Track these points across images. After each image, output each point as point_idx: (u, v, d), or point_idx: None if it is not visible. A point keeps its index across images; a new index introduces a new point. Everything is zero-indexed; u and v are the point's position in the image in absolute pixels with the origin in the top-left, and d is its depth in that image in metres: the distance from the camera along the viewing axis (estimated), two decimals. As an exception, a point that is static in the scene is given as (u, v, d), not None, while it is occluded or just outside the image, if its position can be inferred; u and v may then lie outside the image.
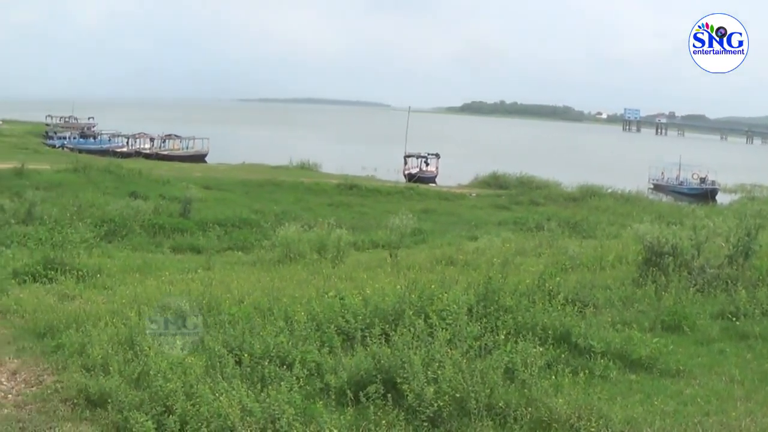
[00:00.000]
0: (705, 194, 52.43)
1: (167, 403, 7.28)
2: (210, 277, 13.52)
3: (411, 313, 9.03)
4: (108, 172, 37.80)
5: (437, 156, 57.37)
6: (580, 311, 10.09)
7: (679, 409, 7.47)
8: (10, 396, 8.15)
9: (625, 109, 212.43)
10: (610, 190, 45.09)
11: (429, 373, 7.51)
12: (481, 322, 9.04)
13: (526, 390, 7.60)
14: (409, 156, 56.94)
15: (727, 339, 9.81)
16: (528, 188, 46.35)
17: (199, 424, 6.90)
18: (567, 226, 27.12)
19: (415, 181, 50.14)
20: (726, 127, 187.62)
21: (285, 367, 8.06)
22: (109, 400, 7.59)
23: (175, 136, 67.10)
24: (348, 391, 7.52)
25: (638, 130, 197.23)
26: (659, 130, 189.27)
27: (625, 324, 9.82)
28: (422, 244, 23.57)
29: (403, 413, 7.22)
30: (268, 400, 7.09)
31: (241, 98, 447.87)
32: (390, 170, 55.08)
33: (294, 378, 7.70)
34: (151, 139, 65.03)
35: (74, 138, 67.00)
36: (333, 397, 7.55)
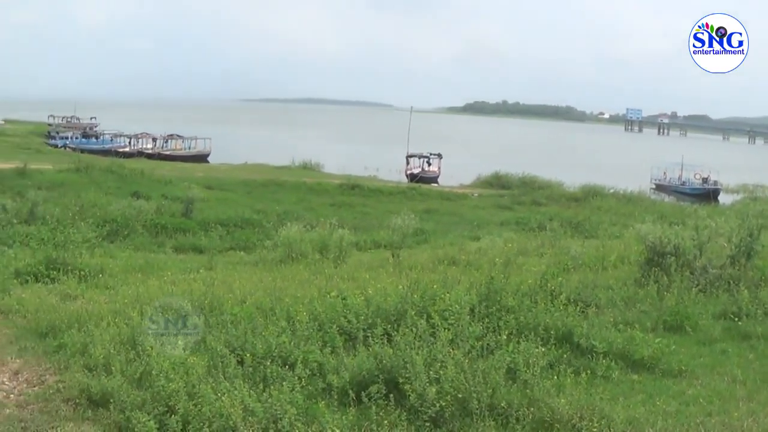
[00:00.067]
0: (707, 194, 52.34)
1: (169, 403, 7.29)
2: (212, 277, 13.53)
3: (413, 313, 9.03)
4: (110, 172, 37.87)
5: (439, 156, 57.37)
6: (583, 311, 10.10)
7: (681, 410, 7.46)
8: (12, 396, 8.16)
9: (627, 110, 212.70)
10: (612, 191, 45.07)
11: (431, 373, 7.51)
12: (483, 322, 9.04)
13: (528, 390, 7.60)
14: (411, 156, 56.94)
15: (729, 339, 9.80)
16: (530, 188, 46.41)
17: (201, 424, 6.91)
18: (569, 226, 27.10)
19: (417, 181, 50.16)
20: (728, 128, 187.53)
21: (287, 367, 8.06)
22: (111, 400, 7.59)
23: (178, 136, 67.17)
24: (350, 391, 7.53)
25: (640, 131, 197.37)
26: (661, 131, 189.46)
27: (628, 324, 9.80)
28: (424, 244, 23.54)
29: (405, 413, 7.22)
30: (270, 400, 7.09)
31: (243, 98, 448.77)
32: (392, 170, 55.15)
33: (296, 378, 7.70)
34: (154, 139, 65.08)
35: (76, 138, 67.08)
36: (335, 397, 7.55)
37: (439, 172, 56.38)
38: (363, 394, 7.44)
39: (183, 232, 25.44)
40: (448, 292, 9.64)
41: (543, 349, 8.33)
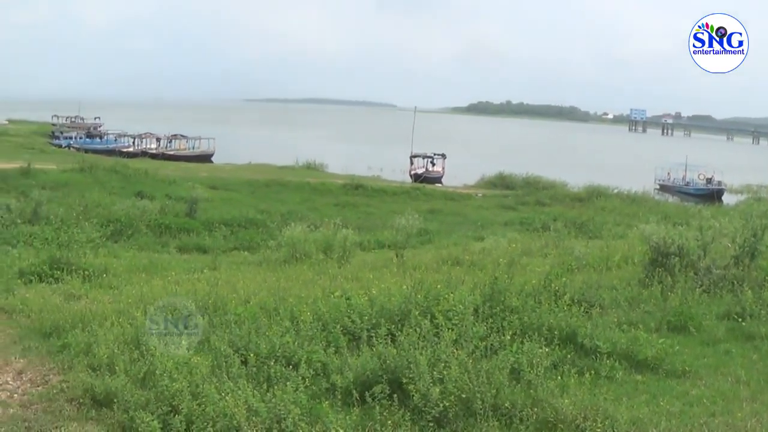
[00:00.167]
0: (711, 195, 52.19)
1: (173, 403, 7.29)
2: (216, 277, 13.55)
3: (417, 313, 9.04)
4: (114, 172, 37.87)
5: (443, 156, 57.37)
6: (586, 312, 10.08)
7: (685, 410, 7.45)
8: (16, 395, 8.17)
9: (631, 110, 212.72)
10: (616, 191, 45.02)
11: (435, 373, 7.52)
12: (487, 323, 9.04)
13: (531, 390, 7.59)
14: (415, 156, 56.94)
15: (733, 340, 9.77)
16: (534, 189, 46.38)
17: (205, 423, 6.91)
18: (573, 227, 27.10)
19: (421, 182, 50.13)
20: (732, 128, 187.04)
21: (291, 367, 8.07)
22: (115, 400, 7.61)
23: (181, 136, 67.13)
24: (354, 391, 7.54)
25: (644, 131, 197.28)
26: (665, 131, 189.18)
27: (631, 324, 9.79)
28: (428, 245, 23.56)
29: (408, 413, 7.22)
30: (273, 400, 7.09)
31: (246, 98, 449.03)
32: (396, 170, 55.16)
33: (300, 378, 7.71)
34: (158, 139, 65.07)
35: (80, 138, 67.11)
36: (339, 397, 7.54)
37: (443, 172, 56.38)
38: (367, 394, 7.43)
39: (187, 232, 25.49)
40: (452, 293, 9.64)
41: (547, 350, 8.33)
